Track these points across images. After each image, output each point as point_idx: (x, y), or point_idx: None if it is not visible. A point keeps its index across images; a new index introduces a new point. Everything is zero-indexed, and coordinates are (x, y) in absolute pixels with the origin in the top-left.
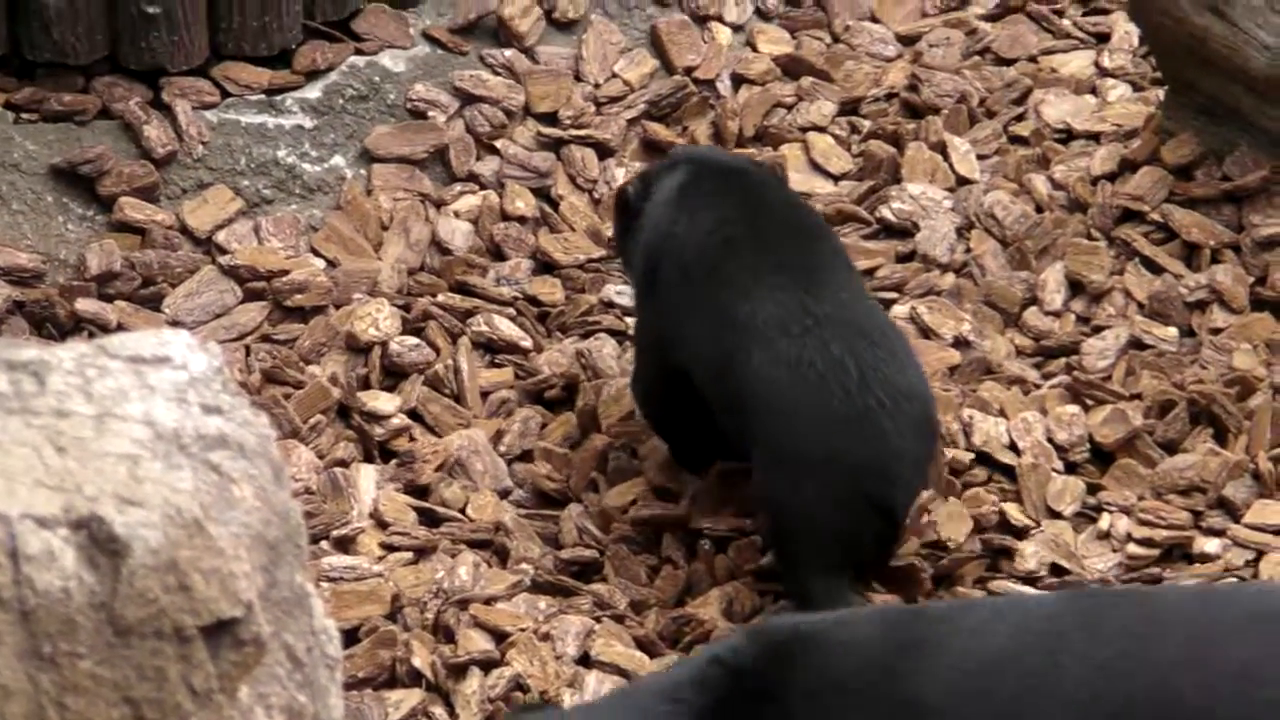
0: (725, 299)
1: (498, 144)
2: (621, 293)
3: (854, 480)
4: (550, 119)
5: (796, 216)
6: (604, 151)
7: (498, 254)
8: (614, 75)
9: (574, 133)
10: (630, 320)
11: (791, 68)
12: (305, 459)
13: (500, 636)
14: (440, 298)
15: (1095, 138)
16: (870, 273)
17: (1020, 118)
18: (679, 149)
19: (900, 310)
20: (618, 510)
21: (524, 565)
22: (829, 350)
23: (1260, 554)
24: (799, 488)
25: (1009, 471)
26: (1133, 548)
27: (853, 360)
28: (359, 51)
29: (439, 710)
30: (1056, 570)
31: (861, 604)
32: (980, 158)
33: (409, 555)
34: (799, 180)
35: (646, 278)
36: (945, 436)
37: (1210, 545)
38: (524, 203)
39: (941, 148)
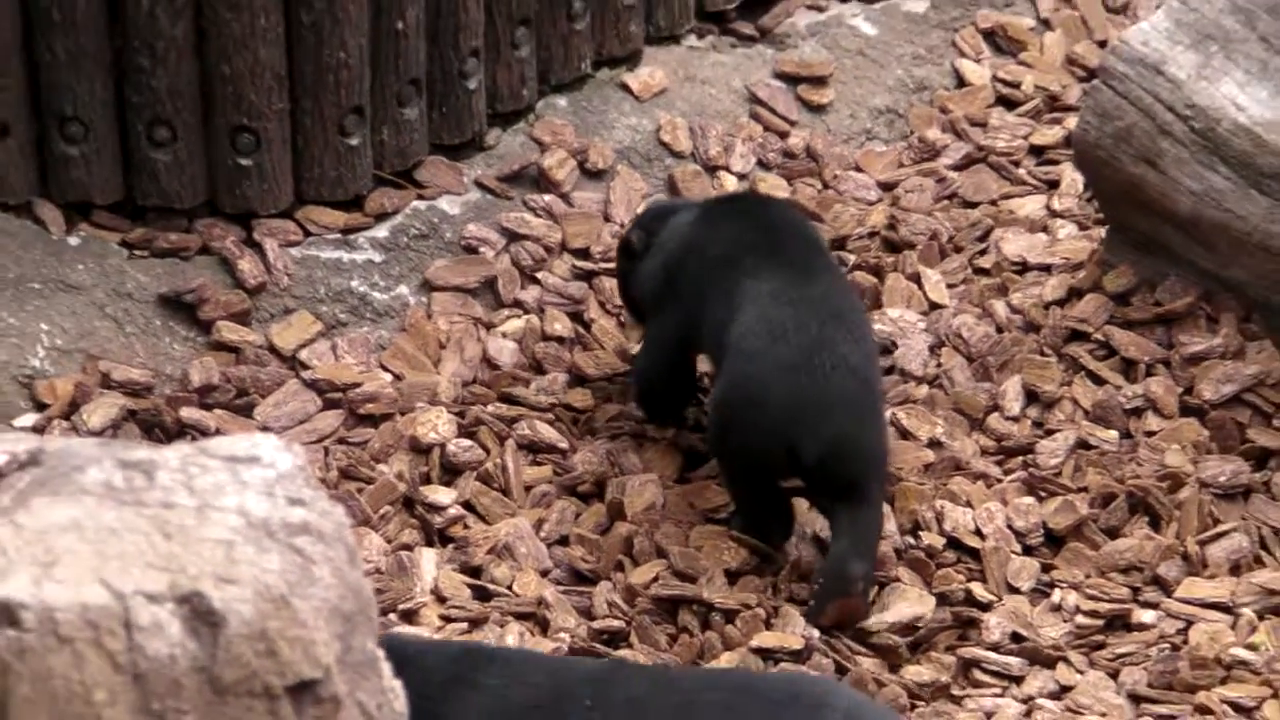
0: (740, 278)
1: (539, 275)
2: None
3: (784, 420)
4: (583, 254)
5: (801, 230)
6: None
7: (539, 369)
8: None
9: (603, 265)
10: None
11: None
12: (375, 544)
13: None
14: (490, 406)
15: (1047, 269)
16: None
17: (983, 252)
18: (655, 201)
19: None
20: (641, 587)
21: (562, 634)
22: (802, 320)
23: (1189, 623)
24: (745, 414)
25: (975, 554)
26: (1081, 619)
27: (817, 330)
28: (420, 197)
29: None
30: (1016, 638)
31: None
32: (949, 286)
33: (464, 625)
34: None
35: (666, 288)
36: (921, 522)
37: (1147, 616)
38: (561, 325)
39: (917, 278)
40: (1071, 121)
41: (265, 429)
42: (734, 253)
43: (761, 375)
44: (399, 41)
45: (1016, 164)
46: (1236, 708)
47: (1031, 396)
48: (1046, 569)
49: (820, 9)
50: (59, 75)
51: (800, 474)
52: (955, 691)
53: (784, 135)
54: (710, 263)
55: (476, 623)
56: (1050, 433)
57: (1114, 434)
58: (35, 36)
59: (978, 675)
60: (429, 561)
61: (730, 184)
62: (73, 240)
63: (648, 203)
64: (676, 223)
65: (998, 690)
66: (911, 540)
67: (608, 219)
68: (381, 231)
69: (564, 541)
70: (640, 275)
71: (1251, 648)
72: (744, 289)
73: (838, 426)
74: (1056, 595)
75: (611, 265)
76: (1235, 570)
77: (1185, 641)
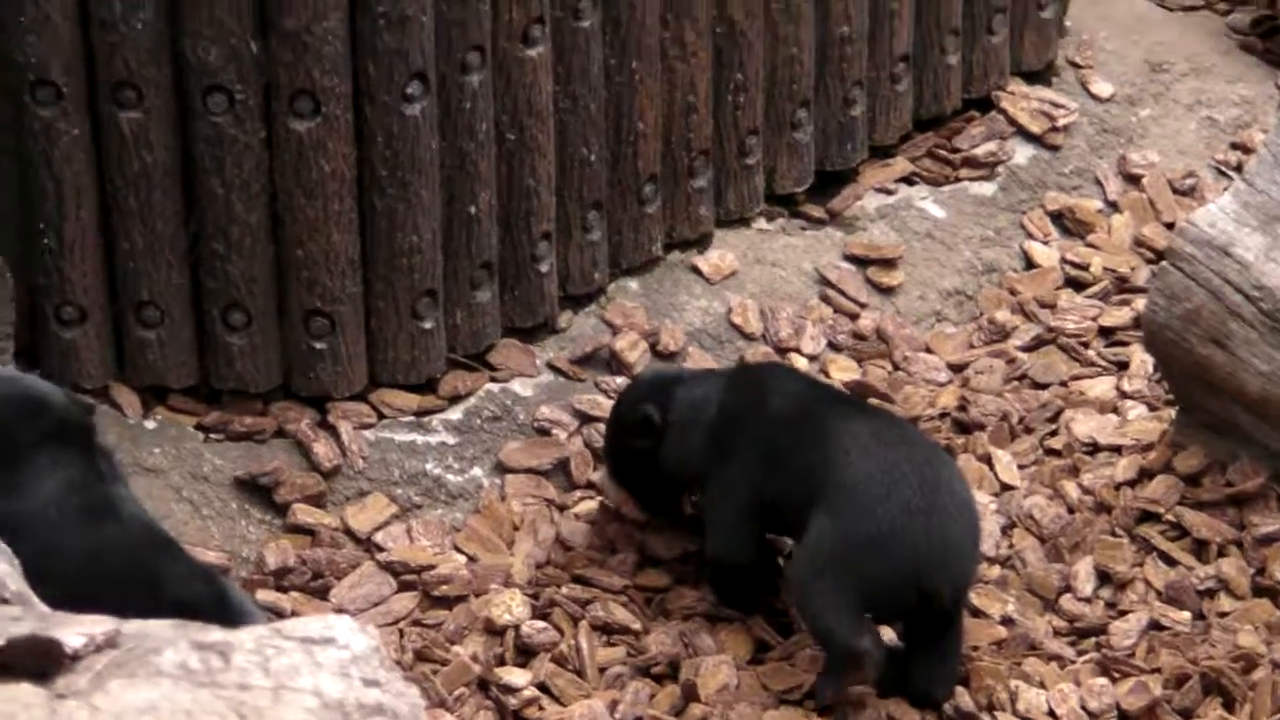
0: (823, 426)
1: (606, 499)
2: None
3: (920, 564)
4: None
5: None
6: None
7: (612, 549)
8: None
9: None
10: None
11: (858, 391)
12: None
13: None
14: (564, 588)
15: (1118, 450)
16: None
17: (1054, 433)
18: (644, 376)
19: None
20: None
21: None
22: (913, 458)
23: None
24: (873, 559)
25: None
26: None
27: (932, 471)
28: (493, 379)
29: None
30: None
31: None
32: (1020, 467)
33: None
34: None
35: (715, 453)
36: (995, 702)
37: None
38: (634, 506)
39: (987, 459)
40: (1140, 303)
41: (340, 611)
42: (813, 406)
43: (891, 518)
44: (471, 225)
45: (1086, 345)
46: None
47: (1104, 577)
48: None
49: (889, 192)
50: (135, 261)
51: (918, 608)
52: None
53: (854, 317)
54: (779, 422)
55: None
56: (1123, 613)
57: (1187, 615)
58: (112, 223)
59: None
60: None
61: (801, 366)
62: (149, 424)
63: (636, 380)
64: (701, 391)
65: None
66: (987, 719)
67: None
68: (455, 414)
69: None
70: (671, 449)
71: None
72: (836, 434)
73: (964, 568)
74: None
75: None
76: None
77: None
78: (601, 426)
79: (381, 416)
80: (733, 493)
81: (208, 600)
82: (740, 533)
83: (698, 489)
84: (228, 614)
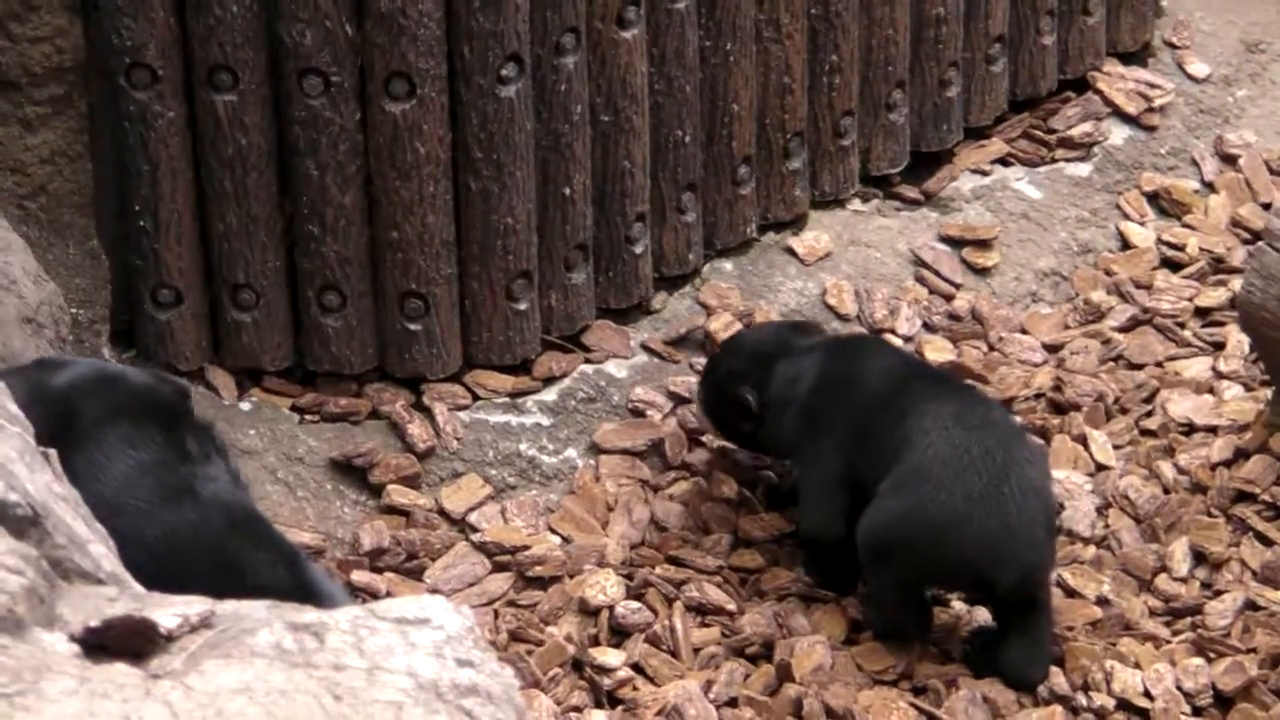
0: (908, 405)
1: (705, 438)
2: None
3: (978, 553)
4: None
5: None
6: None
7: (706, 530)
8: None
9: None
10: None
11: (953, 372)
12: (545, 706)
13: None
14: (658, 568)
15: (1213, 430)
16: None
17: (1149, 414)
18: (735, 344)
19: (1050, 577)
20: None
21: None
22: (986, 443)
23: None
24: (932, 543)
25: (1144, 714)
26: None
27: (1003, 456)
28: (588, 361)
29: None
30: None
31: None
32: (1116, 447)
33: None
34: None
35: (808, 429)
36: (1090, 683)
37: None
38: (728, 487)
39: (1083, 439)
40: (1236, 283)
41: (435, 591)
42: (901, 383)
43: (952, 504)
44: (566, 207)
45: (1182, 326)
46: None
47: (1199, 557)
48: None
49: (984, 173)
50: (231, 244)
51: (982, 593)
52: None
53: (949, 298)
54: (869, 397)
55: None
56: (1218, 593)
57: None
58: (208, 206)
59: None
60: None
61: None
62: (244, 405)
63: (736, 346)
64: (796, 368)
65: None
66: (1083, 700)
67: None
68: (549, 395)
69: (733, 703)
70: (769, 429)
71: None
72: (920, 412)
73: (1028, 556)
74: None
75: None
76: None
77: None
78: (695, 407)
79: (476, 398)
80: (823, 468)
81: (289, 586)
82: (830, 508)
83: (793, 461)
84: (309, 598)
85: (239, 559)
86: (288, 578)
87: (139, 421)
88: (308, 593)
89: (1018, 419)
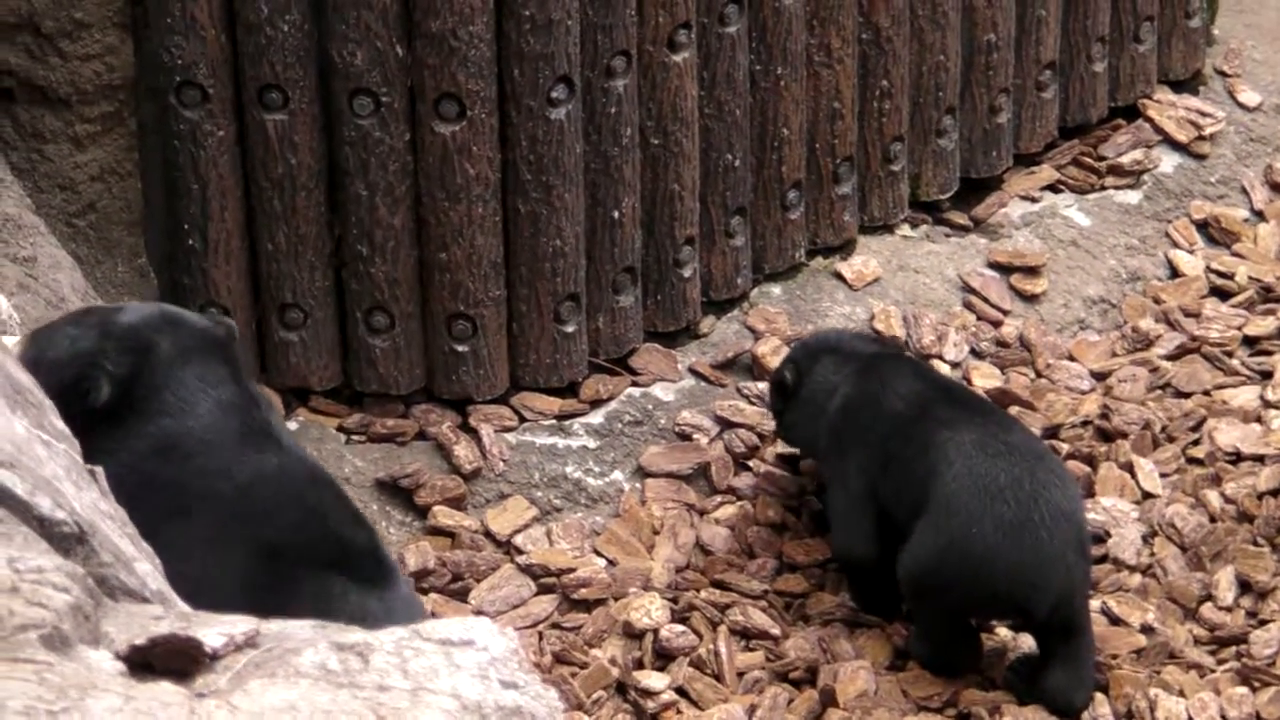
0: (933, 429)
1: (751, 462)
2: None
3: (1013, 582)
4: None
5: (963, 387)
6: None
7: (751, 554)
8: None
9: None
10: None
11: (1000, 399)
12: None
13: None
14: (703, 592)
15: (1260, 459)
16: None
17: (1196, 442)
18: (811, 337)
19: (1095, 605)
20: None
21: None
22: (1014, 474)
23: None
24: (967, 575)
25: None
26: None
27: (1030, 483)
28: (635, 384)
29: None
30: None
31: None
32: (1162, 475)
33: None
34: None
35: (835, 448)
36: (1134, 711)
37: None
38: (774, 511)
39: (1129, 467)
40: None
41: (480, 613)
42: (926, 405)
43: (984, 537)
44: (615, 230)
45: (1230, 354)
46: None
47: (1245, 586)
48: None
49: (1034, 199)
50: (279, 263)
51: (1021, 620)
52: None
53: (997, 324)
54: (897, 415)
55: None
56: (1264, 623)
57: None
58: (257, 225)
59: None
60: None
61: (945, 371)
62: (291, 425)
63: (819, 333)
64: (834, 376)
65: None
66: None
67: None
68: (596, 418)
69: None
70: (790, 417)
71: None
72: (942, 441)
73: (1063, 581)
74: None
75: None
76: None
77: None
78: (742, 432)
79: (522, 420)
80: (849, 487)
81: (366, 546)
82: (858, 529)
83: (823, 477)
84: (381, 565)
85: (322, 506)
86: (365, 538)
87: (208, 360)
88: (378, 559)
89: (1042, 440)
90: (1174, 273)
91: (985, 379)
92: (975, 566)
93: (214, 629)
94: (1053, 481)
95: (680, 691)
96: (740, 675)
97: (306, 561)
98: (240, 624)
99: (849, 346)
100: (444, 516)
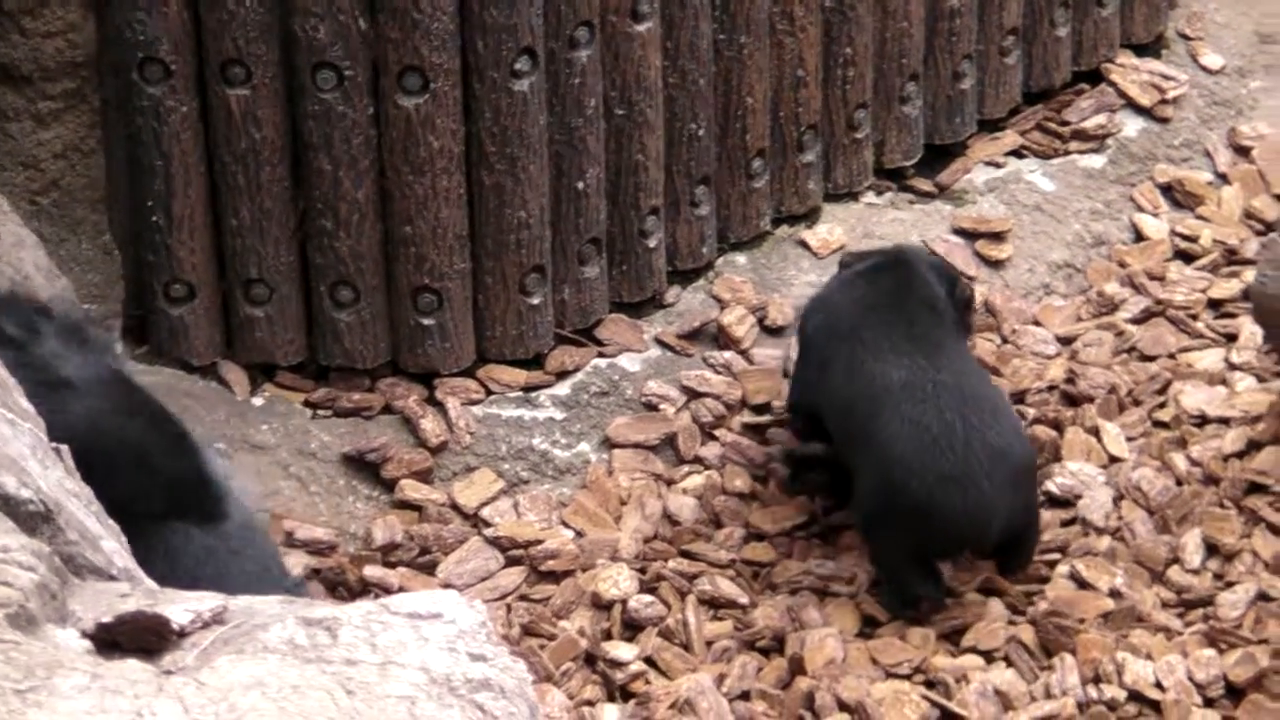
0: (862, 357)
1: (718, 432)
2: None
3: (954, 527)
4: (763, 409)
5: (929, 299)
6: None
7: (718, 524)
8: None
9: (783, 421)
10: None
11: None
12: (558, 700)
13: None
14: (671, 562)
15: (1226, 422)
16: None
17: (1162, 405)
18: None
19: (1063, 569)
20: None
21: None
22: (943, 415)
23: None
24: (911, 521)
25: (1156, 706)
26: None
27: (963, 427)
28: (601, 355)
29: None
30: None
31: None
32: (1129, 439)
33: None
34: None
35: (799, 335)
36: (1101, 674)
37: None
38: (741, 481)
39: (1096, 431)
40: (1249, 275)
41: (448, 586)
42: (859, 325)
43: (924, 487)
44: (580, 201)
45: (1195, 317)
46: None
47: (1211, 549)
48: None
49: (998, 165)
50: (244, 238)
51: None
52: None
53: None
54: (832, 331)
55: None
56: (1230, 585)
57: None
58: (221, 201)
59: None
60: (611, 717)
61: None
62: (257, 401)
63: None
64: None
65: None
66: (1094, 693)
67: (786, 375)
68: (562, 389)
69: (745, 696)
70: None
71: None
72: (872, 376)
73: (1004, 517)
74: None
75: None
76: None
77: None
78: (708, 402)
79: (489, 392)
80: (798, 382)
81: (193, 478)
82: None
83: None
84: (210, 495)
85: (142, 443)
86: (190, 468)
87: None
88: (207, 489)
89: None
90: (1138, 236)
91: None
92: (916, 513)
93: (181, 606)
94: (987, 420)
95: (649, 661)
96: (709, 645)
97: (144, 515)
98: (208, 600)
99: (867, 255)
100: (411, 490)
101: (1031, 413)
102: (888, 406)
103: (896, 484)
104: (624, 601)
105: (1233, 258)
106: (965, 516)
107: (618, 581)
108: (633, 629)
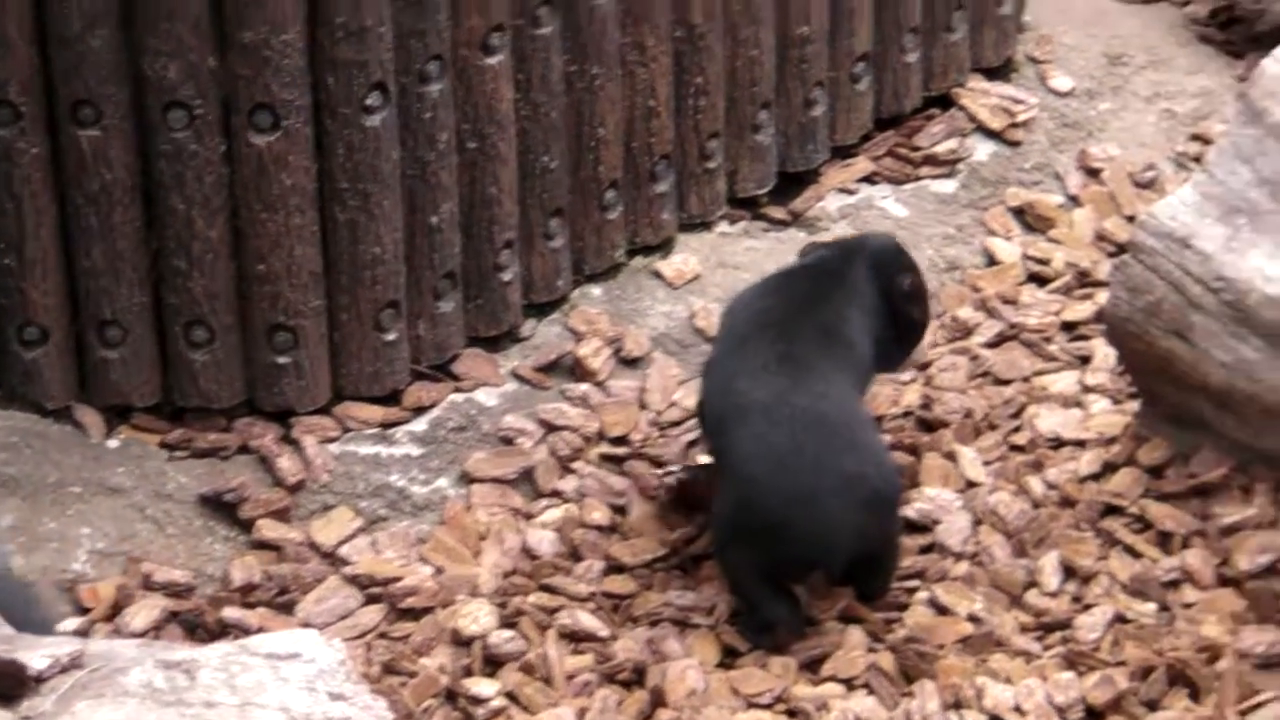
0: (736, 373)
1: (575, 465)
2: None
3: (799, 546)
4: (621, 441)
5: (832, 317)
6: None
7: (577, 557)
8: (673, 403)
9: (642, 452)
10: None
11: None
12: None
13: None
14: (531, 597)
15: (1081, 444)
16: None
17: (1018, 429)
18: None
19: (921, 595)
20: None
21: None
22: (795, 439)
23: None
24: (760, 541)
25: None
26: None
27: (813, 446)
28: (458, 389)
29: None
30: None
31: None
32: (985, 464)
33: None
34: None
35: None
36: (961, 700)
37: None
38: (600, 514)
39: (952, 456)
40: (1102, 297)
41: (307, 625)
42: (745, 337)
43: (770, 506)
44: (434, 236)
45: (1049, 340)
46: None
47: (1069, 571)
48: None
49: (850, 192)
50: (97, 279)
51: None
52: None
53: None
54: (730, 329)
55: None
56: (1088, 607)
57: (1151, 607)
58: (73, 242)
59: None
60: None
61: None
62: (112, 443)
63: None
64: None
65: None
66: (954, 718)
67: (644, 406)
68: (419, 425)
69: None
70: None
71: None
72: (738, 390)
73: (855, 540)
74: None
75: (648, 453)
76: None
77: None
78: (566, 435)
79: (346, 429)
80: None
81: None
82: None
83: None
84: None
85: None
86: None
87: None
88: None
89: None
90: (991, 260)
91: None
92: (765, 532)
93: (38, 651)
94: (839, 446)
95: (510, 697)
96: (570, 678)
97: None
98: (65, 645)
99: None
100: (268, 530)
101: (888, 438)
102: (745, 426)
103: (744, 502)
104: (484, 637)
105: (1085, 280)
106: (811, 536)
107: (478, 617)
108: (494, 665)
